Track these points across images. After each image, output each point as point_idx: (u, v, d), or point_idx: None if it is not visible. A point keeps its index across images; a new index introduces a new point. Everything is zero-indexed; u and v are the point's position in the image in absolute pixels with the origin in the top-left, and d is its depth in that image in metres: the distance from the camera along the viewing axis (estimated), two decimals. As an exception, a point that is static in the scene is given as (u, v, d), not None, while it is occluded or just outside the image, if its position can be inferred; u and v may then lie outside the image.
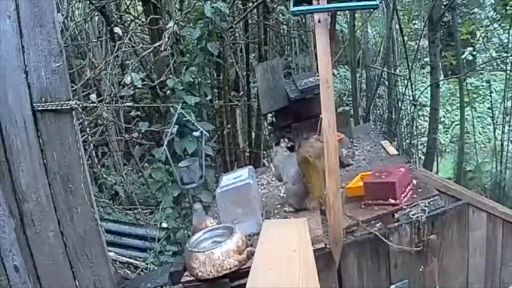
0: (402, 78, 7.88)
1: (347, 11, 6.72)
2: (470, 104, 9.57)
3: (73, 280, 2.42)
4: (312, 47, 7.73)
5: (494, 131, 8.57)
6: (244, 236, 2.53)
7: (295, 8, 2.43)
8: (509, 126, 8.12)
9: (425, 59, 9.15)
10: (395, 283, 2.64)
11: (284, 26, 8.88)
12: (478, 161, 8.96)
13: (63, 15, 4.58)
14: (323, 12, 2.37)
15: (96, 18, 6.77)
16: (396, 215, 2.72)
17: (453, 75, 10.00)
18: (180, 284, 2.46)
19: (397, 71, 8.12)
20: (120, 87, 3.69)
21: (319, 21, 2.37)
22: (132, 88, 3.64)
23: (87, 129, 4.41)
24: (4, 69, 2.27)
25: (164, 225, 3.86)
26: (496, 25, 9.35)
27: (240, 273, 2.34)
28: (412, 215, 2.61)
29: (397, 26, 7.87)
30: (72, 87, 2.94)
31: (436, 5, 7.12)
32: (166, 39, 3.65)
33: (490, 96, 9.75)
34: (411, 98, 7.75)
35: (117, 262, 4.87)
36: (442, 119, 10.62)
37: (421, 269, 2.65)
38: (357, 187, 2.93)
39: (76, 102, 2.34)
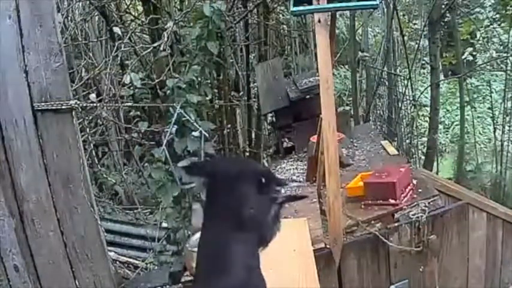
0: (402, 78, 7.88)
1: (347, 11, 6.71)
2: (470, 104, 9.56)
3: (73, 280, 2.42)
4: (312, 47, 7.74)
5: (494, 131, 8.56)
6: (244, 236, 2.52)
7: (295, 8, 2.43)
8: (509, 126, 8.11)
9: (425, 59, 9.14)
10: (395, 283, 2.64)
11: (284, 26, 8.88)
12: (478, 161, 8.95)
13: (63, 15, 4.57)
14: (323, 12, 2.38)
15: (96, 18, 6.76)
16: (396, 215, 2.72)
17: (453, 75, 9.99)
18: (180, 284, 2.46)
19: (397, 71, 8.12)
20: (120, 87, 3.68)
21: (319, 21, 2.37)
22: (132, 88, 3.63)
23: (87, 129, 4.40)
24: (4, 69, 2.26)
25: (164, 225, 3.85)
26: (495, 25, 9.34)
27: (240, 273, 2.34)
28: (412, 215, 2.62)
29: (397, 26, 7.86)
30: (72, 87, 2.94)
31: (436, 5, 7.11)
32: (166, 39, 3.65)
33: (490, 96, 9.75)
34: (411, 98, 7.75)
35: (117, 262, 4.86)
36: (442, 119, 10.60)
37: (421, 269, 2.66)
38: (357, 187, 2.94)
39: (76, 102, 2.34)
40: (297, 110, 4.24)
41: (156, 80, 4.29)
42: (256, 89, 6.01)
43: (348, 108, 7.49)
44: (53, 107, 2.29)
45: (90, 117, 4.29)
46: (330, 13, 2.46)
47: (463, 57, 8.50)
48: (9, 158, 2.30)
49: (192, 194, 3.17)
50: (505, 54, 8.48)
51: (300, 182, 3.51)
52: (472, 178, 8.36)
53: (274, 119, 5.10)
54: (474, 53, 9.64)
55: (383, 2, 6.85)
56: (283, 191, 1.11)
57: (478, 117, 10.45)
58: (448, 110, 11.62)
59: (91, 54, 5.95)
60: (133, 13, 6.94)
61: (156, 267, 3.99)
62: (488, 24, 9.56)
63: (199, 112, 3.51)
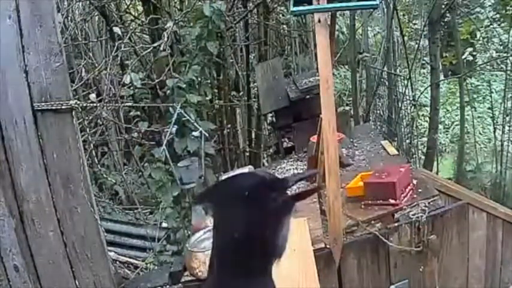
0: (402, 78, 7.88)
1: (347, 11, 6.71)
2: (470, 104, 9.55)
3: (73, 280, 2.42)
4: (312, 47, 7.73)
5: (494, 131, 8.56)
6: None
7: (295, 8, 2.43)
8: (509, 126, 8.11)
9: (425, 59, 9.14)
10: (395, 283, 2.64)
11: (284, 26, 8.87)
12: (478, 161, 8.94)
13: (63, 15, 4.57)
14: (323, 12, 2.38)
15: (96, 18, 6.76)
16: (396, 215, 2.72)
17: (453, 75, 9.98)
18: (180, 284, 2.46)
19: (397, 71, 8.12)
20: (120, 87, 3.69)
21: (319, 21, 2.37)
22: (132, 88, 3.63)
23: (87, 129, 4.40)
24: (4, 69, 2.27)
25: (164, 225, 3.85)
26: (495, 25, 9.34)
27: (240, 273, 2.34)
28: (412, 215, 2.62)
29: (397, 26, 7.86)
30: (72, 87, 2.94)
31: (436, 5, 7.11)
32: (166, 39, 3.65)
33: (490, 96, 9.74)
34: (411, 98, 7.75)
35: (117, 262, 4.86)
36: (442, 119, 10.59)
37: (421, 269, 2.65)
38: (357, 187, 2.94)
39: (76, 102, 2.34)
40: (297, 110, 4.23)
41: (156, 80, 4.29)
42: (256, 89, 6.01)
43: (348, 108, 7.48)
44: (53, 107, 2.29)
45: (90, 117, 4.29)
46: (330, 13, 2.47)
47: (463, 57, 8.50)
48: (9, 158, 2.30)
49: (192, 194, 3.17)
50: (505, 54, 8.48)
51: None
52: (472, 178, 8.36)
53: (274, 119, 5.10)
54: (474, 53, 9.63)
55: (383, 2, 6.85)
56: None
57: (478, 117, 10.44)
58: (448, 110, 11.60)
59: (91, 54, 5.95)
60: (133, 13, 6.95)
61: (156, 267, 3.99)
62: (488, 24, 9.55)
63: (199, 112, 3.51)
